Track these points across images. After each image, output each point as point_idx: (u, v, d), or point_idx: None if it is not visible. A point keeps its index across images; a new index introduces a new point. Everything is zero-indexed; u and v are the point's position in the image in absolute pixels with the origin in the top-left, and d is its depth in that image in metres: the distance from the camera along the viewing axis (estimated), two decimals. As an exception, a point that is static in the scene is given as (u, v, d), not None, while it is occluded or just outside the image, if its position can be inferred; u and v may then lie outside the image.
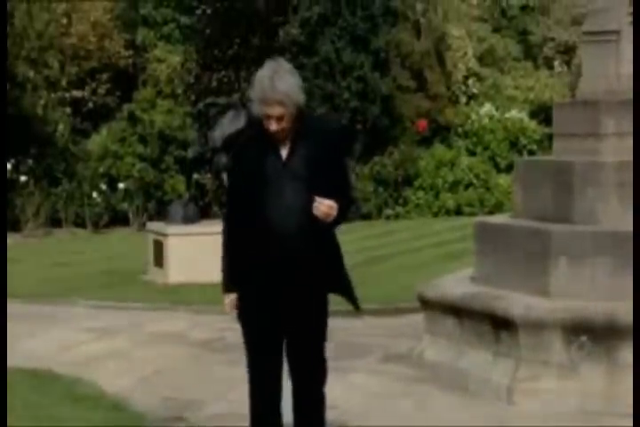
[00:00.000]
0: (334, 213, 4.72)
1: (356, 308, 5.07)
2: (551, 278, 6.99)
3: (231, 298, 4.96)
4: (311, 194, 4.72)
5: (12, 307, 10.43)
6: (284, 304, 4.86)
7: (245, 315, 4.95)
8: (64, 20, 20.91)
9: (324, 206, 4.68)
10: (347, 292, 5.08)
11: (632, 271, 6.70)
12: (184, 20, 21.34)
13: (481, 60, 24.73)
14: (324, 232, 4.87)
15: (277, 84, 4.62)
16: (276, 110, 4.66)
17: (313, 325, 4.96)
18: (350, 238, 16.13)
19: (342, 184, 4.93)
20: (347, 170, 5.10)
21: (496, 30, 26.22)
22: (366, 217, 20.82)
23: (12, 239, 17.18)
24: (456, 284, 7.85)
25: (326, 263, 4.94)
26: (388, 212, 21.40)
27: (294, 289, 4.86)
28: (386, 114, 21.82)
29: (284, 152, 4.82)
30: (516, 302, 6.92)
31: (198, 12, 20.20)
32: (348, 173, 5.14)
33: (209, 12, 19.95)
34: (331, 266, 4.98)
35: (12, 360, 7.78)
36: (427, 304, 7.89)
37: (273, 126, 4.71)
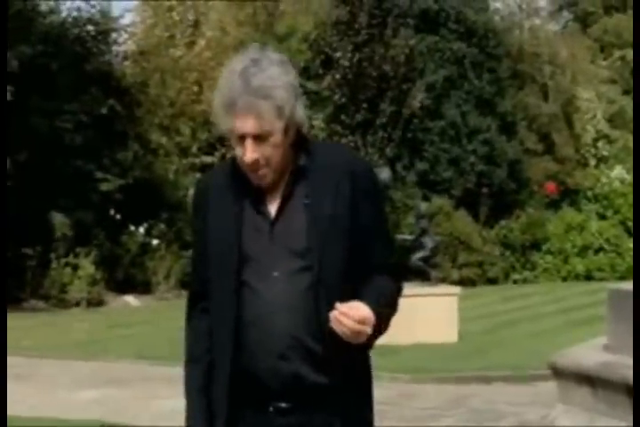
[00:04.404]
0: (368, 330, 2.58)
1: None
2: (690, 347, 6.73)
3: None
4: (320, 282, 2.66)
5: (145, 368, 10.65)
6: None
7: None
8: (195, 88, 21.56)
9: (350, 320, 2.55)
10: None
11: None
12: (310, 85, 21.74)
13: (611, 121, 24.41)
14: (345, 351, 2.66)
15: (253, 78, 2.60)
16: (249, 124, 2.61)
17: None
18: (477, 303, 15.95)
19: (385, 260, 2.79)
20: (390, 236, 2.93)
21: (627, 92, 25.86)
22: (493, 281, 20.55)
23: (144, 301, 17.58)
24: (589, 352, 7.64)
25: (346, 409, 2.72)
26: (516, 276, 21.09)
27: None
28: (512, 177, 21.66)
29: (272, 207, 2.74)
30: (653, 372, 6.68)
31: (327, 78, 20.53)
32: (393, 241, 2.97)
33: (338, 77, 20.26)
34: (352, 415, 2.74)
35: (143, 420, 7.91)
36: (559, 373, 7.70)
37: (247, 155, 2.64)
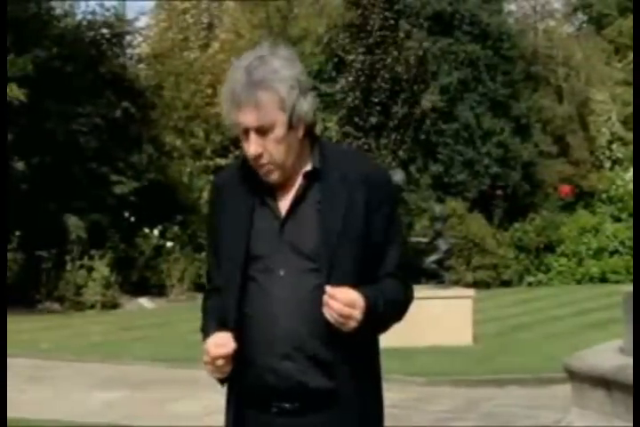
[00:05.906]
0: (357, 314, 2.51)
1: None
2: None
3: (219, 337, 2.75)
4: (329, 282, 2.56)
5: (159, 371, 10.66)
6: None
7: None
8: (209, 91, 21.59)
9: (338, 303, 2.49)
10: None
11: None
12: (323, 88, 21.75)
13: (625, 124, 24.32)
14: (350, 354, 2.61)
15: (255, 72, 2.60)
16: (250, 116, 2.59)
17: None
18: (491, 306, 15.91)
19: (395, 269, 2.70)
20: (403, 243, 2.79)
21: (640, 94, 25.79)
22: (507, 284, 20.50)
23: (158, 304, 17.60)
24: (605, 355, 7.61)
25: (353, 412, 2.63)
26: (530, 279, 21.03)
27: None
28: (527, 180, 21.61)
29: (283, 206, 2.69)
30: (669, 375, 6.65)
31: (341, 80, 20.53)
32: (405, 247, 2.83)
33: (351, 79, 20.26)
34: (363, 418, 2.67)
35: (157, 422, 7.92)
36: (575, 376, 7.66)
37: (251, 148, 2.61)
